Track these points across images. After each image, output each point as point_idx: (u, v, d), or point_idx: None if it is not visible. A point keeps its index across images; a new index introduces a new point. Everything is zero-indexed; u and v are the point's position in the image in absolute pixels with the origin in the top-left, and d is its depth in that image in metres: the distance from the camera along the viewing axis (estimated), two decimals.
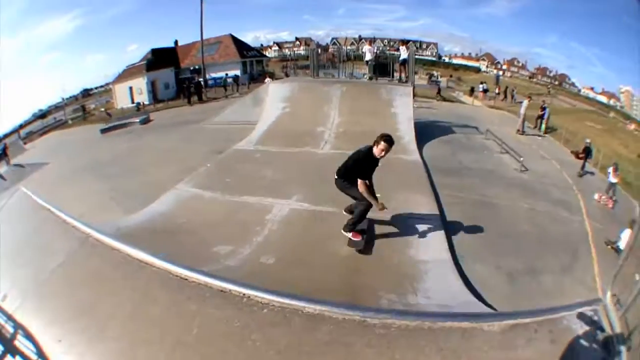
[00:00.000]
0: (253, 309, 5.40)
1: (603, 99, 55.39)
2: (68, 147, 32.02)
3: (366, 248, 9.71)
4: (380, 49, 29.44)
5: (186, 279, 5.89)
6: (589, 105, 54.07)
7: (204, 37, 55.28)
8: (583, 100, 56.11)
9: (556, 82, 63.02)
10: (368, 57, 27.52)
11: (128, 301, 5.84)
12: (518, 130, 27.95)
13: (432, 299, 7.61)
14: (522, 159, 18.47)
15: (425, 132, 21.74)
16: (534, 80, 66.36)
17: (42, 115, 57.63)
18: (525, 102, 29.36)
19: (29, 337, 5.96)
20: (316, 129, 19.89)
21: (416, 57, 29.88)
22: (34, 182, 20.76)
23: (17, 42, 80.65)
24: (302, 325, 5.17)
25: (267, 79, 37.78)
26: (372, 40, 29.26)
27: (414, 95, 24.36)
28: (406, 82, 25.68)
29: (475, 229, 11.76)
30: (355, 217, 9.41)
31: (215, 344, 5.18)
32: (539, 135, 28.37)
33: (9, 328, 6.22)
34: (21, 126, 53.71)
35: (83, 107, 55.54)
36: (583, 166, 18.43)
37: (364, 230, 9.84)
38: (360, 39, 75.20)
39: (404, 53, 26.49)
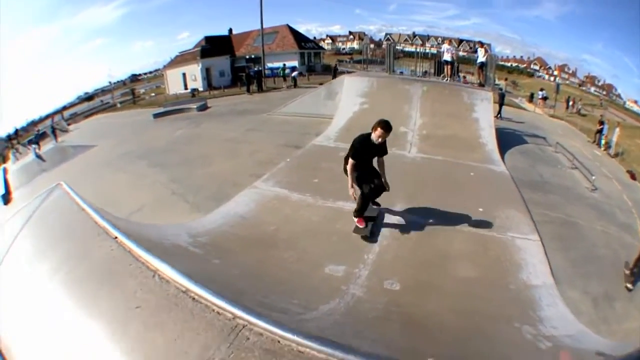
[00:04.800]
0: None
1: None
2: (118, 130, 31.11)
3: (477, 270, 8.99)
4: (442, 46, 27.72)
5: None
6: (636, 120, 52.37)
7: (258, 27, 54.02)
8: (631, 115, 54.59)
9: (604, 93, 61.70)
10: (447, 57, 25.87)
11: None
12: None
13: (559, 329, 7.03)
14: (594, 177, 17.91)
15: (501, 139, 20.73)
16: (584, 88, 65.01)
17: (89, 97, 58.03)
18: (617, 130, 28.99)
19: None
20: (398, 129, 18.51)
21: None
22: (79, 167, 20.44)
23: (57, 27, 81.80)
24: None
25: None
26: (450, 40, 27.41)
27: None
28: (483, 86, 24.42)
29: (564, 251, 11.09)
30: (358, 204, 9.66)
31: None
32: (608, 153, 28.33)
33: None
34: (64, 108, 53.77)
35: (132, 91, 55.40)
36: None
37: (371, 218, 10.15)
38: (414, 35, 74.53)
39: (481, 56, 25.38)
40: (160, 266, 5.26)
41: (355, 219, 9.70)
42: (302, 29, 66.36)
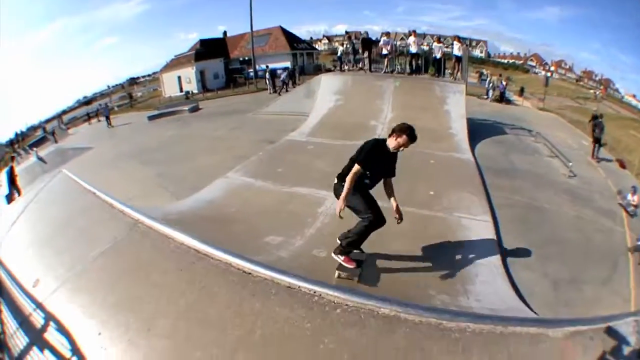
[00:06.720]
0: (325, 309, 4.87)
1: None
2: (114, 133, 32.16)
3: (419, 248, 9.25)
4: (431, 43, 27.76)
5: (250, 274, 5.34)
6: (632, 113, 52.46)
7: (258, 29, 55.43)
8: (627, 107, 54.59)
9: (601, 87, 61.60)
10: (413, 49, 26.24)
11: (181, 296, 5.30)
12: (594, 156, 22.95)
13: (482, 302, 7.33)
14: (570, 164, 18.10)
15: (478, 130, 21.50)
16: (581, 83, 64.94)
17: (87, 102, 58.29)
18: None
19: (61, 329, 5.45)
20: (369, 123, 19.62)
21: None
22: (76, 166, 20.96)
23: (75, 23, 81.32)
24: (377, 327, 4.69)
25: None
26: (415, 32, 27.04)
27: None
28: (459, 79, 25.09)
29: (524, 233, 11.57)
30: (352, 236, 7.39)
31: (283, 347, 4.66)
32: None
33: (39, 318, 5.76)
34: (64, 112, 54.41)
35: (130, 95, 56.09)
36: None
37: (360, 261, 7.82)
38: (410, 33, 74.17)
39: (456, 49, 25.76)
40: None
41: (341, 257, 7.58)
42: (307, 29, 66.54)
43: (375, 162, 7.09)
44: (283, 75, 42.13)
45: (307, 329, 4.67)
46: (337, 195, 7.18)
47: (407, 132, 7.04)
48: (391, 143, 7.17)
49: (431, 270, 8.41)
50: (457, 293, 7.57)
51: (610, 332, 4.54)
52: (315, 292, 5.02)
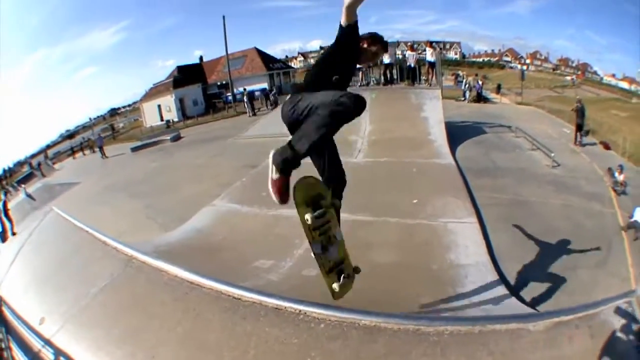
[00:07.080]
0: (310, 325, 5.17)
1: (625, 85, 54.35)
2: (99, 167, 32.36)
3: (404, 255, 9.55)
4: (404, 51, 27.80)
5: (239, 299, 5.65)
6: (612, 93, 52.89)
7: (233, 51, 55.49)
8: (606, 88, 54.97)
9: (579, 72, 62.07)
10: (387, 59, 26.48)
11: (179, 325, 5.61)
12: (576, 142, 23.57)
13: (474, 303, 7.46)
14: (553, 154, 18.40)
15: (457, 133, 21.60)
16: (558, 72, 65.38)
17: (70, 135, 58.20)
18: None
19: None
20: (349, 138, 19.49)
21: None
22: (65, 202, 21.06)
23: (55, 53, 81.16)
24: (359, 338, 4.98)
25: None
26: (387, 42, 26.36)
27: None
28: (435, 84, 25.41)
29: (511, 229, 11.78)
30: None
31: None
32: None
33: (49, 354, 6.00)
34: (48, 146, 54.35)
35: (112, 126, 56.23)
36: None
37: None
38: None
39: (429, 55, 26.13)
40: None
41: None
42: (282, 47, 66.63)
43: (350, 57, 5.30)
44: (272, 93, 43.07)
45: (295, 345, 4.96)
46: (293, 109, 4.85)
47: (382, 41, 5.53)
48: (366, 47, 5.43)
49: (419, 277, 8.58)
50: (448, 297, 7.72)
51: (596, 318, 4.70)
52: (300, 311, 5.31)
